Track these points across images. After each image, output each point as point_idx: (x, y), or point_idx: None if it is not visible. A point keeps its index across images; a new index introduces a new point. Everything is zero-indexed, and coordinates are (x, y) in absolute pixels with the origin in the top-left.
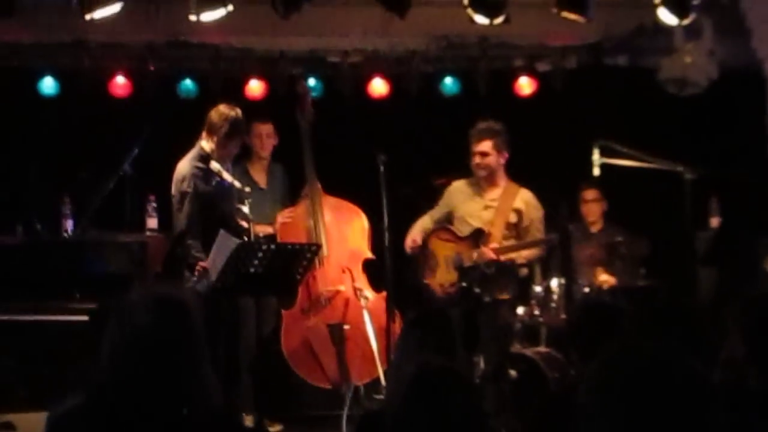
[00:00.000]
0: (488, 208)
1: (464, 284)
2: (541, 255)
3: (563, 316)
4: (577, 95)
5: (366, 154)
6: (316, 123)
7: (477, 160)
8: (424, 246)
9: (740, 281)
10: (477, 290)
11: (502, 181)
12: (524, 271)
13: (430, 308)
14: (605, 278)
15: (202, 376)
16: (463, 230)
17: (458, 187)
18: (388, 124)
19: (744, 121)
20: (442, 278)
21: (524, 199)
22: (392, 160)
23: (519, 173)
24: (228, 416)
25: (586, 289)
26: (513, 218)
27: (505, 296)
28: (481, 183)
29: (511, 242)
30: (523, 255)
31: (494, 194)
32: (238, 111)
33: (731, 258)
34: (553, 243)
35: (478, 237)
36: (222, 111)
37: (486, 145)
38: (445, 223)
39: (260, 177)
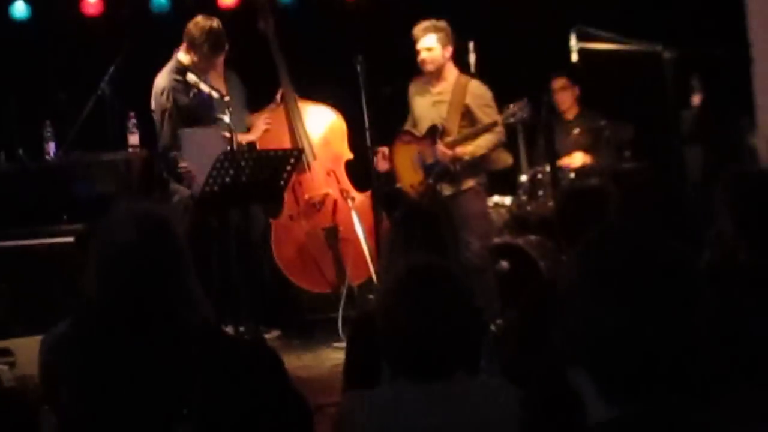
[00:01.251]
0: (437, 103)
1: (430, 181)
2: (501, 139)
3: (551, 203)
4: None
5: (343, 56)
6: (279, 29)
7: (423, 55)
8: (392, 152)
9: (726, 158)
10: (438, 187)
11: (451, 75)
12: (509, 161)
13: (415, 207)
14: (580, 156)
15: (188, 289)
16: (421, 128)
17: (413, 85)
18: (363, 24)
19: None
20: (411, 179)
21: (472, 91)
22: (370, 62)
23: (498, 64)
24: (217, 328)
25: (572, 175)
26: (465, 111)
27: (469, 185)
28: (430, 78)
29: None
30: (482, 144)
31: (441, 88)
32: (218, 22)
33: (716, 135)
34: (494, 126)
35: (434, 133)
36: (201, 24)
37: (430, 40)
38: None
39: (219, 86)
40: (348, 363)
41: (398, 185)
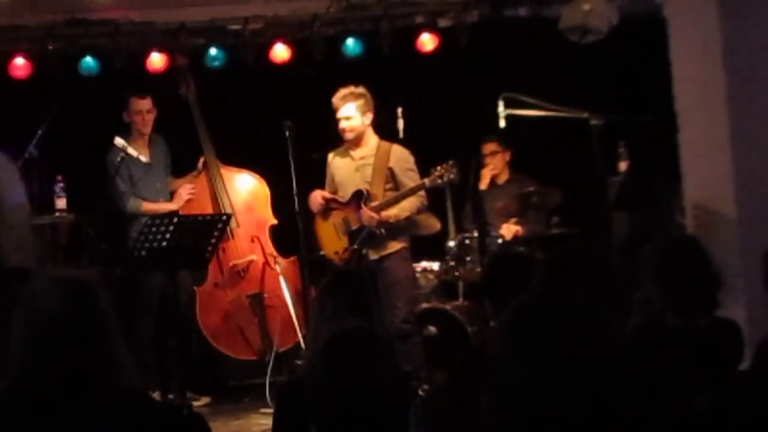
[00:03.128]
0: (360, 167)
1: (355, 247)
2: (424, 203)
3: (479, 269)
4: (481, 49)
5: (271, 121)
6: (202, 95)
7: (342, 124)
8: (316, 220)
9: (652, 224)
10: (364, 251)
11: (372, 140)
12: (437, 226)
13: (343, 272)
14: (512, 228)
15: (114, 355)
16: (346, 195)
17: (332, 155)
18: (292, 89)
19: (647, 65)
20: (335, 246)
21: (395, 156)
22: (298, 126)
23: (426, 130)
24: (143, 393)
25: (500, 241)
26: (389, 175)
27: (395, 248)
28: (350, 145)
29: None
30: (406, 207)
31: (363, 152)
32: None
33: (642, 201)
34: (420, 189)
35: (359, 198)
36: None
37: (349, 109)
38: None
39: (143, 151)
40: (275, 428)
41: (322, 253)
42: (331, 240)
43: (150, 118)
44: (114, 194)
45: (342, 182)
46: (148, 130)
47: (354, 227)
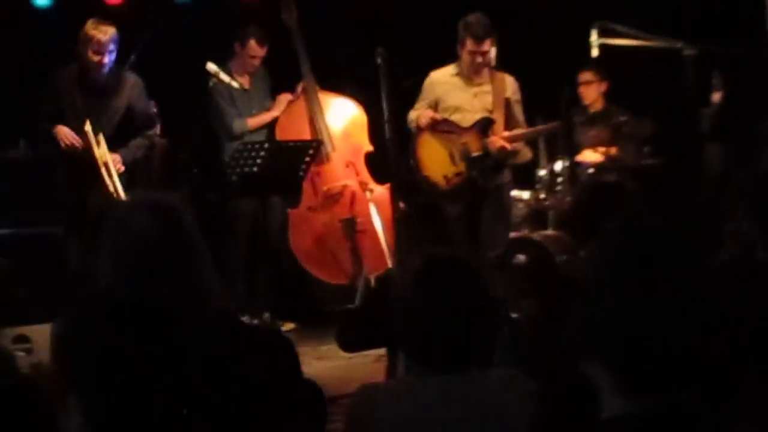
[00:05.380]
0: (478, 95)
1: (474, 173)
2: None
3: (569, 198)
4: None
5: (365, 48)
6: (301, 20)
7: (479, 59)
8: (419, 140)
9: (745, 156)
10: (481, 180)
11: (484, 68)
12: (529, 155)
13: (419, 203)
14: (594, 155)
15: (202, 277)
16: (464, 120)
17: (439, 78)
18: (387, 17)
19: None
20: (445, 170)
21: (511, 86)
22: (391, 53)
23: (519, 59)
24: (231, 317)
25: (590, 171)
26: (506, 104)
27: (508, 178)
28: (467, 72)
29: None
30: (521, 138)
31: (480, 81)
32: None
33: (736, 133)
34: (556, 130)
35: (486, 126)
36: None
37: (489, 44)
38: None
39: (243, 79)
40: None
41: (425, 173)
42: (440, 163)
43: (259, 62)
44: (215, 117)
45: (458, 107)
46: (253, 70)
47: (474, 154)
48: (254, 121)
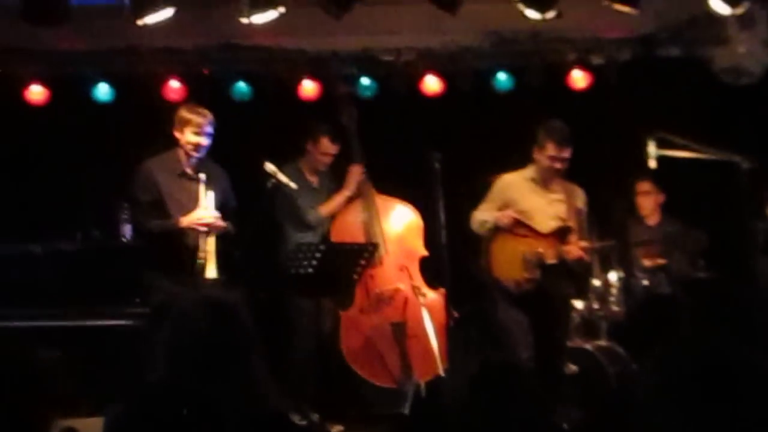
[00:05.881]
0: (552, 203)
1: (546, 281)
2: None
3: (622, 309)
4: (632, 88)
5: (420, 152)
6: (360, 121)
7: (558, 165)
8: (494, 241)
9: None
10: (552, 288)
11: (557, 176)
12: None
13: (475, 308)
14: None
15: (254, 377)
16: (542, 226)
17: (513, 181)
18: (442, 121)
19: None
20: (516, 273)
21: (582, 197)
22: (447, 158)
23: (575, 168)
24: (282, 415)
25: (645, 282)
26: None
27: (570, 290)
28: (543, 179)
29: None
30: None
31: (555, 187)
32: None
33: None
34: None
35: (565, 234)
36: None
37: (569, 152)
38: None
39: (312, 177)
40: None
41: (496, 276)
42: (513, 266)
43: (330, 159)
44: (281, 209)
45: (531, 212)
46: (324, 168)
47: (550, 261)
48: (327, 208)
